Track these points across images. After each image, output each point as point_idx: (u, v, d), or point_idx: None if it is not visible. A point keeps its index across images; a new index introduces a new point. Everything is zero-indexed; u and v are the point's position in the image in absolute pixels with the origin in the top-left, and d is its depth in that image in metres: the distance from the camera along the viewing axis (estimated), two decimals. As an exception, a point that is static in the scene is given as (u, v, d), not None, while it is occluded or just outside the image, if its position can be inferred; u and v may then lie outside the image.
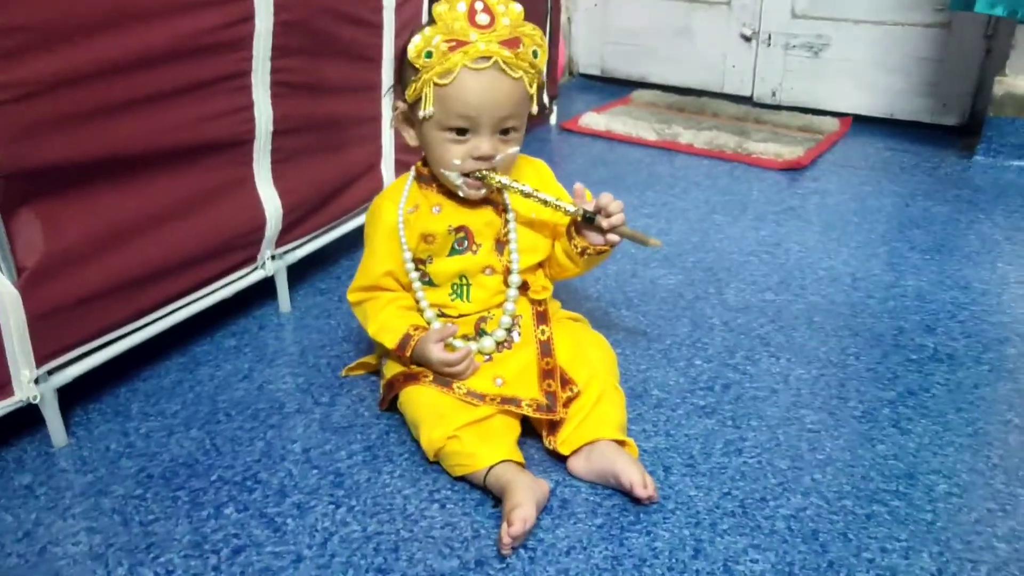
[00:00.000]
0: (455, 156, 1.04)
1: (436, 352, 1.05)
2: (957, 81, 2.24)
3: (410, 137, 1.09)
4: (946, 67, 2.23)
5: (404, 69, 1.04)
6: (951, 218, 1.77)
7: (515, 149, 1.07)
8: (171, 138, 1.11)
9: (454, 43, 1.00)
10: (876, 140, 2.27)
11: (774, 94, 2.47)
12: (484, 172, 1.04)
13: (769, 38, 2.43)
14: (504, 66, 1.00)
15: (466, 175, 1.05)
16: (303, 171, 1.35)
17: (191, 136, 1.14)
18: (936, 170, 2.05)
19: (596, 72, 2.79)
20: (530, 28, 1.02)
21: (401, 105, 1.07)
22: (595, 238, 1.08)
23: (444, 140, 1.04)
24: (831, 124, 2.30)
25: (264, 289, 1.38)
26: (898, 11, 2.25)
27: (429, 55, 1.00)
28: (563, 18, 2.59)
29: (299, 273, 1.46)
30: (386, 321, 1.11)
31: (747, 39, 2.47)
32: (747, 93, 2.53)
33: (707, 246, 1.64)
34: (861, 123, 2.38)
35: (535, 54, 1.03)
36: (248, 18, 1.15)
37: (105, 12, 0.98)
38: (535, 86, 1.04)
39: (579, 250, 1.09)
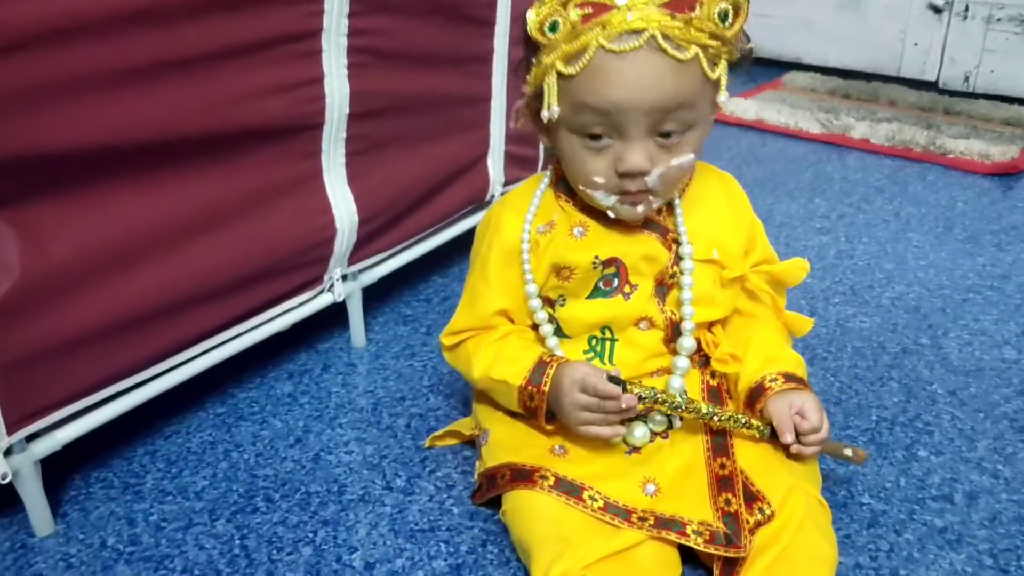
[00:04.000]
0: (595, 171, 0.71)
1: (595, 376, 0.72)
2: None
3: (542, 138, 0.76)
4: None
5: (526, 45, 0.71)
6: None
7: (683, 160, 0.72)
8: (210, 119, 0.81)
9: (590, 9, 0.66)
10: (1108, 139, 1.81)
11: (967, 79, 2.04)
12: (643, 393, 0.72)
13: (966, 9, 1.99)
14: (664, 43, 0.65)
15: (620, 193, 0.72)
16: (387, 166, 1.03)
17: (239, 117, 0.84)
18: None
19: (739, 50, 2.40)
20: None
21: (526, 94, 0.74)
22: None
23: (578, 147, 0.71)
24: (1046, 117, 1.86)
25: (333, 314, 1.07)
26: None
27: (554, 28, 0.67)
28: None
29: (378, 293, 1.15)
30: (501, 351, 0.78)
31: (937, 10, 2.03)
32: (931, 77, 2.10)
33: (906, 276, 1.25)
34: (1084, 117, 1.92)
35: (723, 16, 0.68)
36: (318, -44, 0.84)
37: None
38: (721, 65, 0.69)
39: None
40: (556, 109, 0.69)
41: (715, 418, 0.73)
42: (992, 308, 1.16)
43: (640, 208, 0.73)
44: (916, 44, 2.09)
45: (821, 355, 1.06)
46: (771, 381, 0.75)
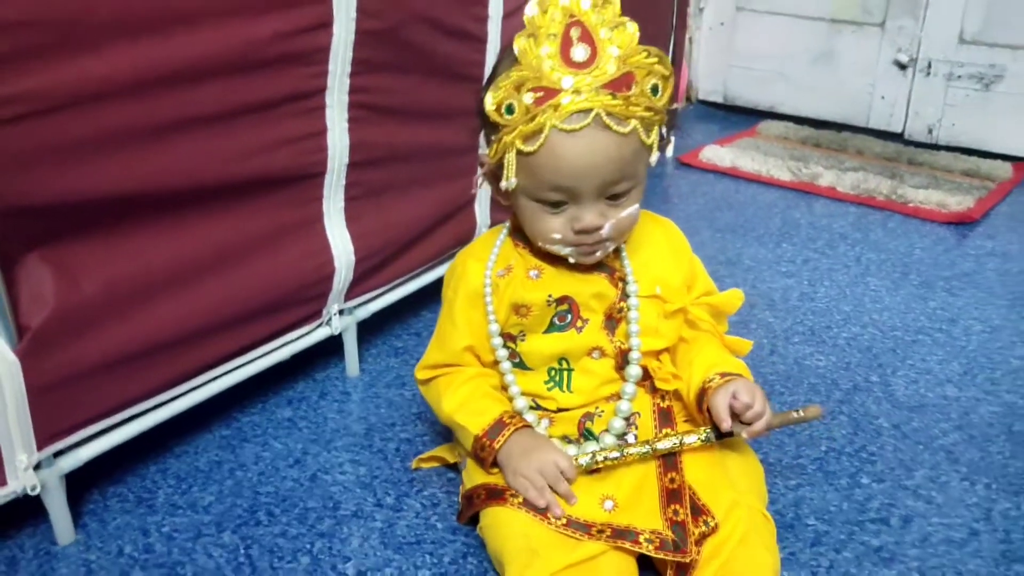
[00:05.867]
0: (553, 230, 0.82)
1: (554, 452, 0.82)
2: None
3: (500, 197, 0.87)
4: None
5: (484, 121, 0.81)
6: None
7: (631, 211, 0.83)
8: (224, 170, 0.91)
9: (542, 93, 0.76)
10: (1060, 191, 1.92)
11: (931, 131, 2.15)
12: (587, 461, 0.83)
13: (929, 66, 2.11)
14: (608, 120, 0.76)
15: (577, 245, 0.83)
16: (382, 210, 1.13)
17: (248, 168, 0.93)
18: None
19: (718, 99, 2.51)
20: (646, 56, 0.77)
21: (486, 161, 0.84)
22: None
23: (538, 211, 0.82)
24: (1003, 170, 1.96)
25: (329, 346, 1.16)
26: (1093, 39, 1.90)
27: (510, 110, 0.77)
28: (684, 38, 2.33)
29: (372, 327, 1.24)
30: (469, 399, 0.87)
31: (902, 67, 2.15)
32: (897, 129, 2.21)
33: (862, 318, 1.35)
34: (1038, 169, 2.04)
35: (655, 90, 0.78)
36: (325, 24, 0.94)
37: (139, 11, 0.77)
38: (654, 132, 0.80)
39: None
40: (514, 181, 0.79)
41: (658, 447, 0.83)
42: (939, 349, 1.26)
43: (597, 254, 0.84)
44: (883, 97, 2.21)
45: (779, 390, 1.15)
46: (709, 382, 0.85)
